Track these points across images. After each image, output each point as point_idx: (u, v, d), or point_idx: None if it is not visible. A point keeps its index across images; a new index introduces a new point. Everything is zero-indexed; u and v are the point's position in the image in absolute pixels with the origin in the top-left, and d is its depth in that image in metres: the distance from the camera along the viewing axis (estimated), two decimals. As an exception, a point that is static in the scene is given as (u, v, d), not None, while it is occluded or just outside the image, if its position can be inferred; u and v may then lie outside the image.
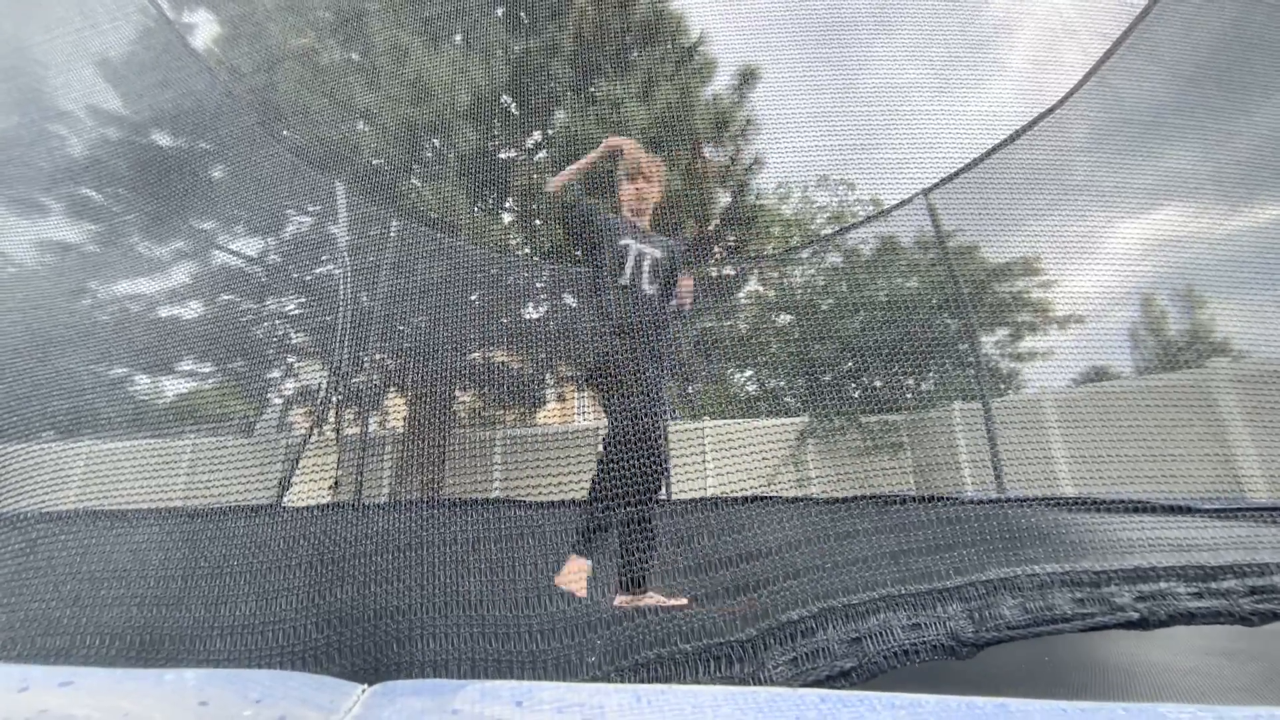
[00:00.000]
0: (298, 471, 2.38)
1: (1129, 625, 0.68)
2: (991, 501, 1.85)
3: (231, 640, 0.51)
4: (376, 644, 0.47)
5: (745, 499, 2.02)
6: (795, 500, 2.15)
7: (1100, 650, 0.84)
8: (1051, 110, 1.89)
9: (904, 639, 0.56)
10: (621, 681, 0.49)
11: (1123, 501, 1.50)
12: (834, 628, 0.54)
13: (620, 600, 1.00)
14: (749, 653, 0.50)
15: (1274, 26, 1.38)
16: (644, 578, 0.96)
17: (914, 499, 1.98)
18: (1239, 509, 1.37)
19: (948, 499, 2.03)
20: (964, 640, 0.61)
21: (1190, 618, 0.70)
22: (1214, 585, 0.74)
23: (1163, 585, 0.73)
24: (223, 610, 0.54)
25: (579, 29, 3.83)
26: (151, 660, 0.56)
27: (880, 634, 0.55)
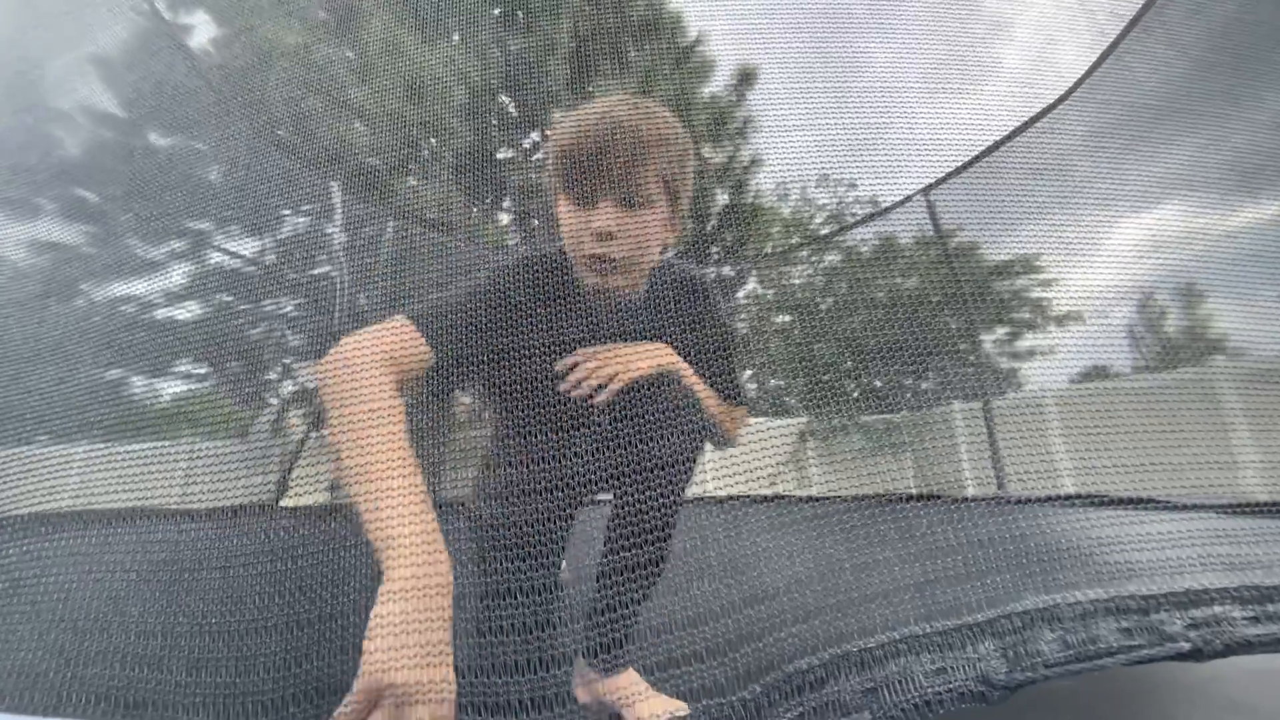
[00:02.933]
0: (294, 475, 2.40)
1: (1181, 657, 0.62)
2: (1018, 502, 1.78)
3: (213, 711, 0.49)
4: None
5: (744, 500, 1.97)
6: (804, 500, 2.10)
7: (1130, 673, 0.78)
8: (1061, 100, 1.81)
9: (926, 686, 0.51)
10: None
11: (1143, 500, 1.43)
12: (847, 677, 0.50)
13: (582, 689, 0.59)
14: (752, 712, 0.46)
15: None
16: (623, 641, 0.56)
17: (930, 498, 1.92)
18: (1241, 507, 1.29)
19: (972, 500, 1.96)
20: (996, 684, 0.56)
21: (1248, 646, 0.64)
22: (1271, 608, 0.68)
23: (1216, 610, 0.66)
24: (203, 675, 0.51)
25: (575, 25, 3.80)
26: (136, 722, 0.53)
27: (899, 682, 0.50)
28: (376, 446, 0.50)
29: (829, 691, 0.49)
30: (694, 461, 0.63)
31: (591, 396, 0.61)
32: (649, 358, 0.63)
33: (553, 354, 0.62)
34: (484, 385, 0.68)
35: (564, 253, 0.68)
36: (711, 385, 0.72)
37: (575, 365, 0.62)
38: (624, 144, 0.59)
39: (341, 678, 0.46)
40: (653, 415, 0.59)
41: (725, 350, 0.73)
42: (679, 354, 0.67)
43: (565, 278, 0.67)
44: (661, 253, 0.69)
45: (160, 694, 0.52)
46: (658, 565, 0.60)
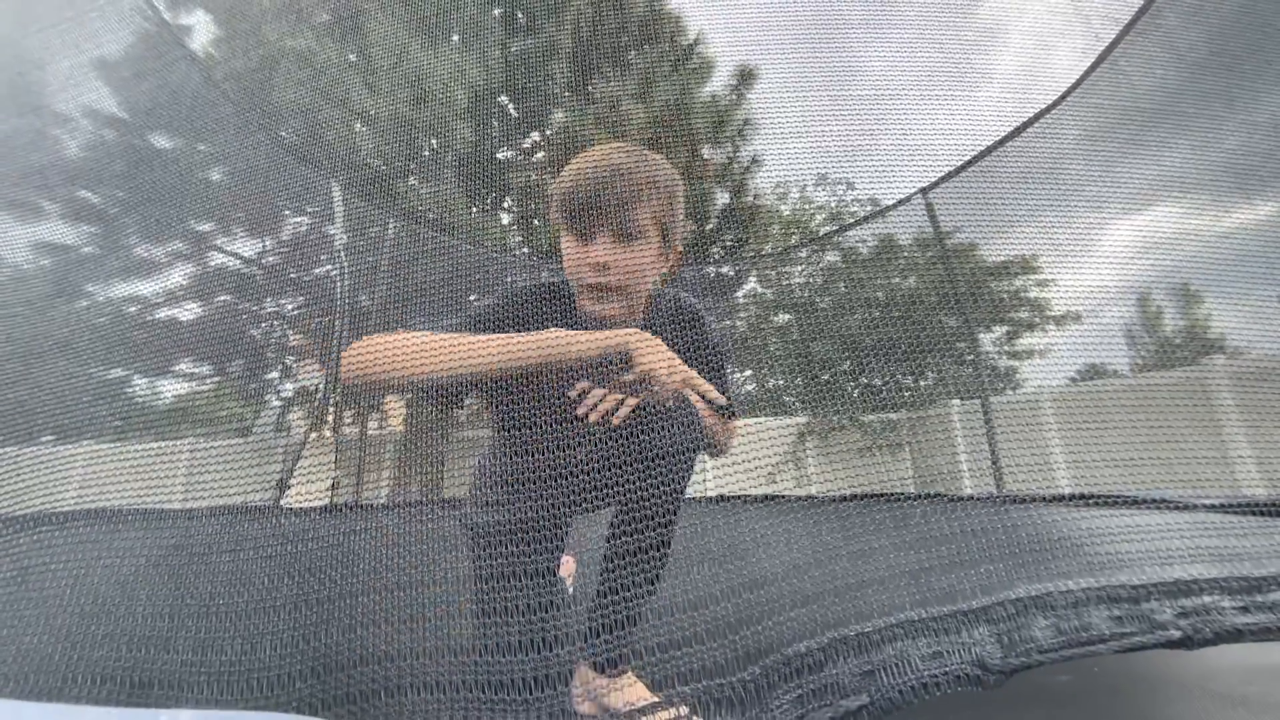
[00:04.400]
0: (296, 473, 2.41)
1: (1170, 645, 0.63)
2: (1014, 501, 1.79)
3: (217, 687, 0.50)
4: (363, 693, 0.45)
5: (743, 500, 1.98)
6: (801, 499, 2.11)
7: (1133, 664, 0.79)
8: (1059, 101, 1.82)
9: (923, 670, 0.52)
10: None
11: (1141, 500, 1.44)
12: (845, 660, 0.51)
13: (580, 686, 0.61)
14: (751, 694, 0.47)
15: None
16: (627, 635, 0.57)
17: (928, 496, 1.93)
18: (1241, 504, 1.30)
19: (966, 498, 1.97)
20: (991, 668, 0.57)
21: (1237, 635, 0.65)
22: (1260, 598, 0.69)
23: (1206, 599, 0.67)
24: (209, 654, 0.52)
25: (575, 27, 3.82)
26: (143, 703, 0.54)
27: (896, 665, 0.51)
28: (474, 343, 0.59)
29: (828, 674, 0.50)
30: (692, 466, 0.68)
31: (609, 416, 0.65)
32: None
33: (560, 376, 0.63)
34: (491, 400, 0.72)
35: (567, 283, 0.75)
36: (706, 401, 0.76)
37: (589, 389, 0.66)
38: (619, 187, 0.66)
39: (345, 655, 0.46)
40: (661, 427, 0.64)
41: (719, 369, 0.78)
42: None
43: (569, 305, 0.73)
44: (659, 282, 0.76)
45: (166, 674, 0.53)
46: (660, 561, 0.64)
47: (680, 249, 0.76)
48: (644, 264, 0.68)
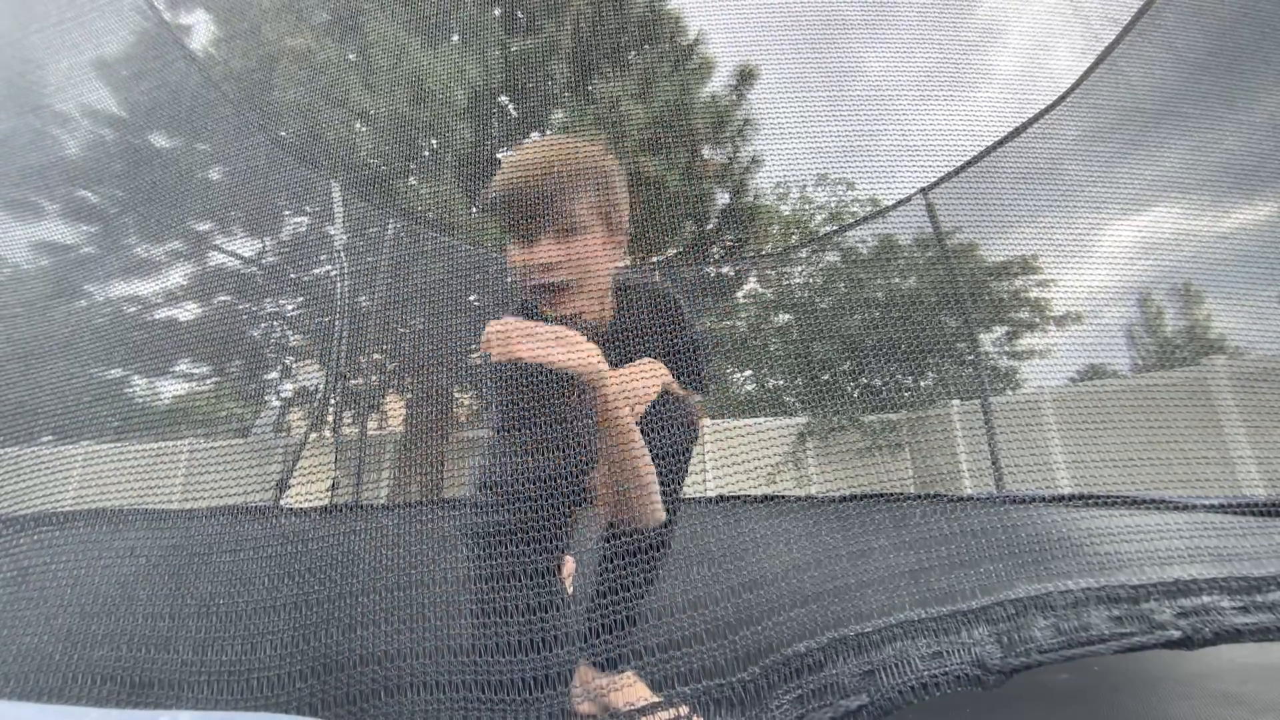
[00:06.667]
0: (295, 473, 2.41)
1: (1170, 645, 0.63)
2: (1014, 501, 1.79)
3: (217, 687, 0.50)
4: (363, 693, 0.45)
5: (747, 499, 1.98)
6: (801, 500, 2.11)
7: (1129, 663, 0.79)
8: (1059, 101, 1.82)
9: (923, 670, 0.52)
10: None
11: (1141, 500, 1.44)
12: (844, 660, 0.51)
13: (580, 686, 0.61)
14: (751, 694, 0.47)
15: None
16: (627, 634, 0.56)
17: (928, 497, 1.93)
18: (1241, 504, 1.31)
19: (965, 498, 1.97)
20: (991, 668, 0.57)
21: (1237, 635, 0.65)
22: (1259, 598, 0.69)
23: (1205, 599, 0.67)
24: (209, 654, 0.52)
25: (575, 26, 3.82)
26: (143, 702, 0.54)
27: (896, 665, 0.51)
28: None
29: (828, 674, 0.50)
30: (688, 466, 0.70)
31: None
32: (651, 378, 0.68)
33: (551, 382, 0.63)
34: (489, 400, 0.72)
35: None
36: (681, 383, 0.77)
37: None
38: (546, 183, 0.64)
39: (344, 655, 0.47)
40: (656, 427, 0.64)
41: (694, 353, 0.78)
42: (651, 358, 0.72)
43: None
44: (624, 271, 0.75)
45: (166, 674, 0.53)
46: (659, 561, 0.65)
47: (627, 236, 0.73)
48: (589, 257, 0.67)
